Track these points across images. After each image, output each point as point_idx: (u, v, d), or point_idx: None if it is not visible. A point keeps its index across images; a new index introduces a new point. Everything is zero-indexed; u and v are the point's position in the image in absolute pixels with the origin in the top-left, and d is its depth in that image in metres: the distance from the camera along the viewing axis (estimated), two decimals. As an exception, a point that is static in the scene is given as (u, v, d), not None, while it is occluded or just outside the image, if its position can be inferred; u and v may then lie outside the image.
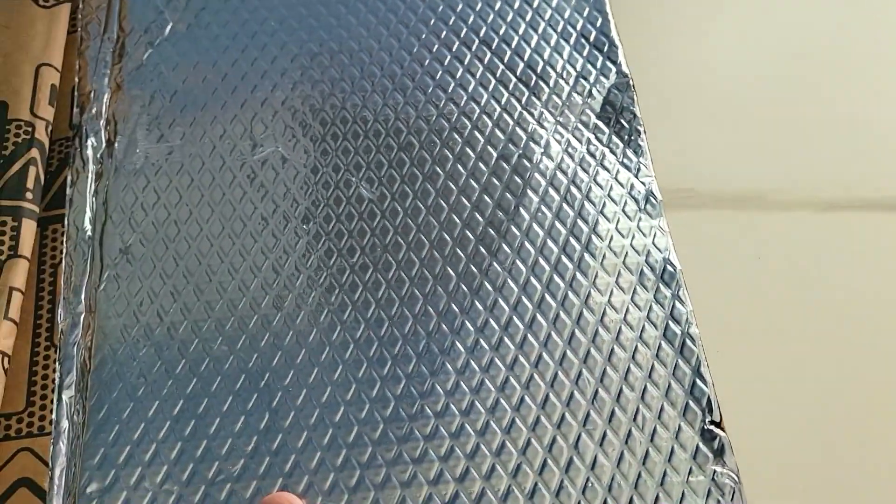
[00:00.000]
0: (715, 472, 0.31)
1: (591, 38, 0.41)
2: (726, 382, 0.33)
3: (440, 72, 0.40)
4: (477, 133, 0.39)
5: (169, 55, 0.41)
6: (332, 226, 0.36)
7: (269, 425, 0.32)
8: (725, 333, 0.34)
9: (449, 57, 0.41)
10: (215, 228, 0.37)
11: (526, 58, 0.41)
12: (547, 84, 0.40)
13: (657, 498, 0.31)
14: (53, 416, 0.32)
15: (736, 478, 0.31)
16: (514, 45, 0.41)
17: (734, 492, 0.31)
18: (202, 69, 0.41)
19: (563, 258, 0.36)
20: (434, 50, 0.41)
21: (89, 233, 0.36)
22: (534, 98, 0.40)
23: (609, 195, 0.37)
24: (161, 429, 0.32)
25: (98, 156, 0.38)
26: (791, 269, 0.36)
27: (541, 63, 0.41)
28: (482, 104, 0.40)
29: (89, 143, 0.38)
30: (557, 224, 0.37)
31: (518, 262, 0.36)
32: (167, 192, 0.37)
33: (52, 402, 0.33)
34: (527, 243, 0.36)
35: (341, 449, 0.32)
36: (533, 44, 0.41)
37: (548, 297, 0.35)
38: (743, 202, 0.37)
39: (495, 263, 0.36)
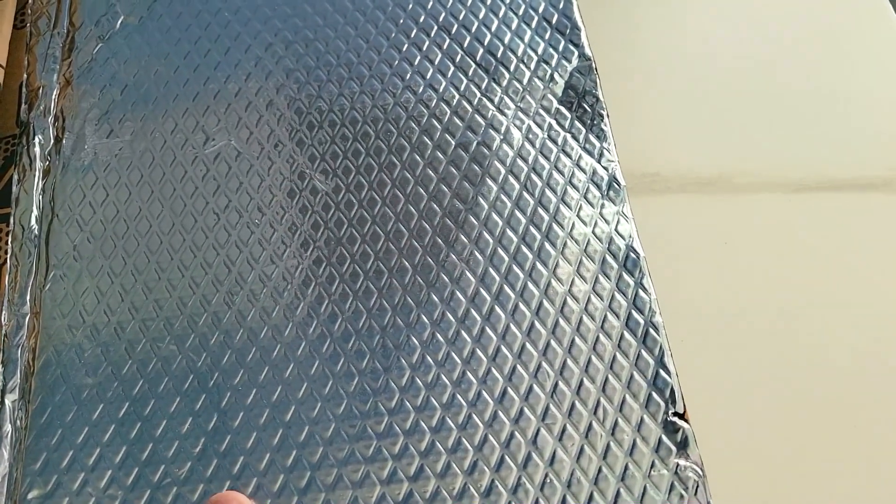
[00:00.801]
0: (678, 465, 0.30)
1: (554, 21, 0.40)
2: (691, 372, 0.32)
3: (397, 59, 0.39)
4: (434, 121, 0.38)
5: (120, 49, 0.40)
6: (284, 219, 0.35)
7: (218, 426, 0.31)
8: (691, 322, 0.33)
9: (406, 44, 0.40)
10: (165, 225, 0.36)
11: (486, 43, 0.40)
12: (507, 69, 0.39)
13: (618, 493, 0.30)
14: (-5, 420, 0.31)
15: (700, 471, 0.30)
16: (473, 29, 0.40)
17: (698, 485, 0.30)
18: (154, 62, 0.40)
19: (523, 247, 0.35)
20: (391, 37, 0.40)
21: (35, 232, 0.35)
22: (494, 84, 0.39)
23: (571, 182, 0.36)
24: (106, 432, 0.31)
25: (45, 153, 0.37)
26: (758, 254, 0.35)
27: (501, 48, 0.40)
28: (440, 91, 0.38)
29: (37, 140, 0.37)
30: (517, 213, 0.35)
31: (476, 252, 0.35)
32: (116, 189, 0.36)
33: (-6, 406, 0.32)
34: (485, 233, 0.35)
35: (292, 449, 0.31)
36: (493, 28, 0.40)
37: (506, 287, 0.34)
38: (709, 186, 0.36)
39: (452, 255, 0.35)
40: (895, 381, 0.32)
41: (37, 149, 0.37)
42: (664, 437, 0.31)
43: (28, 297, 0.34)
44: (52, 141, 0.37)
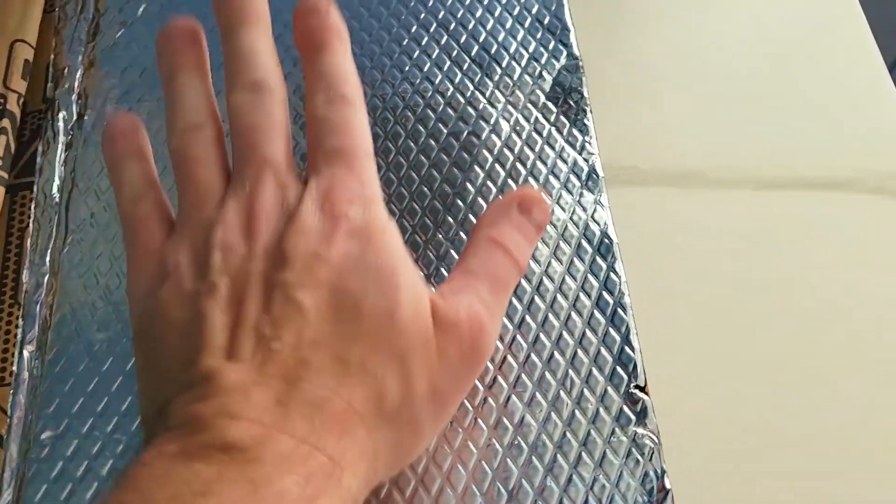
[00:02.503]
0: (636, 433, 0.33)
1: (545, 22, 0.43)
2: (655, 350, 0.34)
3: (397, 52, 0.42)
4: (429, 111, 0.40)
5: (141, 34, 0.43)
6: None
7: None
8: (657, 303, 0.36)
9: (406, 39, 0.42)
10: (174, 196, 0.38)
11: (481, 40, 0.42)
12: (500, 65, 0.42)
13: (579, 456, 0.32)
14: (14, 368, 0.34)
15: (656, 439, 0.32)
16: (470, 27, 0.43)
17: (653, 452, 0.32)
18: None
19: (505, 230, 0.37)
20: (392, 31, 0.43)
21: (56, 199, 0.38)
22: (486, 79, 0.41)
23: (553, 171, 0.39)
24: (114, 382, 0.34)
25: (69, 128, 0.40)
26: (726, 245, 0.37)
27: (495, 45, 0.42)
28: (436, 84, 0.41)
29: (60, 116, 0.40)
30: (501, 198, 0.38)
31: (461, 233, 0.37)
32: (132, 163, 0.39)
33: (13, 356, 0.35)
34: (471, 216, 0.38)
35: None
36: (489, 27, 0.43)
37: (488, 266, 0.36)
38: (683, 179, 0.39)
39: (439, 234, 0.37)
40: (852, 373, 0.34)
41: (60, 124, 0.40)
42: (625, 408, 0.33)
43: (48, 259, 0.37)
44: (75, 117, 0.40)
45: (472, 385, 0.28)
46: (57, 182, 0.39)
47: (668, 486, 0.31)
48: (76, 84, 0.41)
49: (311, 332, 0.23)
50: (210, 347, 0.23)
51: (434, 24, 0.43)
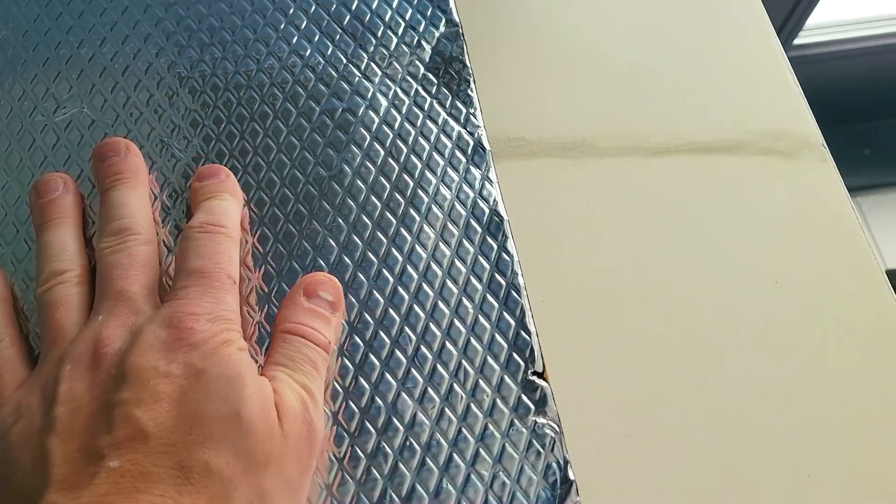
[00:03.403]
0: (536, 423, 0.30)
1: (422, -12, 0.40)
2: (551, 332, 0.32)
3: (261, 24, 0.38)
4: (299, 88, 0.37)
5: (-37, 12, 0.38)
6: (140, 189, 0.34)
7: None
8: (552, 283, 0.34)
9: (271, 9, 0.39)
10: (11, 196, 0.34)
11: (353, 8, 0.39)
12: (374, 35, 0.38)
13: (477, 453, 0.30)
14: None
15: (557, 428, 0.30)
16: (340, -5, 0.39)
17: (555, 442, 0.30)
18: None
19: (387, 213, 0.34)
20: (255, 2, 0.39)
21: None
22: (360, 50, 0.38)
23: (436, 147, 0.36)
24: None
25: None
26: (620, 215, 0.35)
27: (368, 14, 0.39)
28: (305, 57, 0.38)
29: None
30: (381, 179, 0.35)
31: (339, 219, 0.34)
32: (-44, 159, 0.34)
33: None
34: (349, 199, 0.34)
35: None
36: (361, -6, 0.39)
37: (370, 254, 0.33)
38: (573, 150, 0.37)
39: (315, 222, 0.34)
40: (748, 336, 0.33)
41: None
42: (523, 396, 0.31)
43: None
44: None
45: (313, 465, 0.28)
46: None
47: (571, 476, 0.29)
48: None
49: (151, 445, 0.24)
50: (52, 482, 0.24)
51: (301, -7, 0.39)
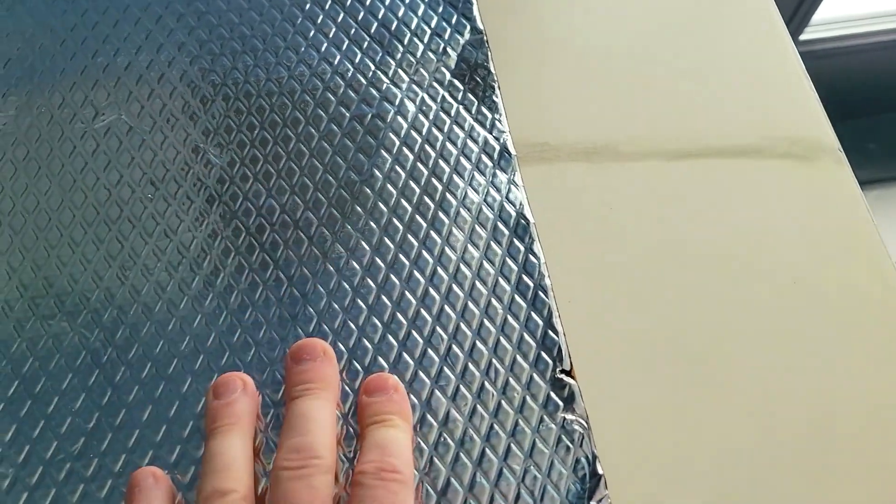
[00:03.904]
0: (564, 419, 0.32)
1: (446, -5, 0.41)
2: (578, 332, 0.33)
3: (291, 32, 0.39)
4: (329, 94, 0.38)
5: (2, 22, 0.39)
6: (178, 193, 0.35)
7: (112, 401, 0.31)
8: (578, 284, 0.35)
9: (300, 17, 0.40)
10: (54, 201, 0.35)
11: (380, 16, 0.40)
12: (401, 43, 0.40)
13: (508, 448, 0.31)
14: None
15: (585, 424, 0.32)
16: (367, 3, 0.40)
17: (583, 437, 0.31)
18: (38, 36, 0.39)
19: (417, 217, 0.35)
20: (284, 10, 0.40)
21: (-86, 211, 0.34)
22: (387, 57, 0.39)
23: (463, 152, 0.37)
24: (-6, 411, 0.31)
25: (-77, 129, 0.36)
26: (641, 217, 0.36)
27: (395, 21, 0.40)
28: (334, 64, 0.39)
29: (-87, 116, 0.36)
30: (411, 183, 0.36)
31: (371, 222, 0.35)
32: (0, 165, 0.35)
33: None
34: (380, 203, 0.36)
35: (189, 420, 0.31)
36: (387, 2, 0.40)
37: (401, 256, 0.35)
38: (595, 154, 0.38)
39: (348, 225, 0.35)
40: (767, 335, 0.34)
41: (-87, 125, 0.36)
42: (552, 394, 0.32)
43: None
44: (-70, 117, 0.36)
45: None
46: (-87, 191, 0.34)
47: (599, 471, 0.31)
48: (-71, 79, 0.37)
49: None
50: None
51: (329, 1, 0.40)
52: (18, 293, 0.33)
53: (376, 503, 0.27)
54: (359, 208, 0.35)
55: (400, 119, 0.38)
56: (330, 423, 0.29)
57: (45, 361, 0.32)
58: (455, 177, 0.36)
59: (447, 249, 0.35)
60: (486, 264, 0.35)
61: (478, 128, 0.38)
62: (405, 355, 0.33)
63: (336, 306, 0.33)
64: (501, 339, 0.33)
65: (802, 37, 1.32)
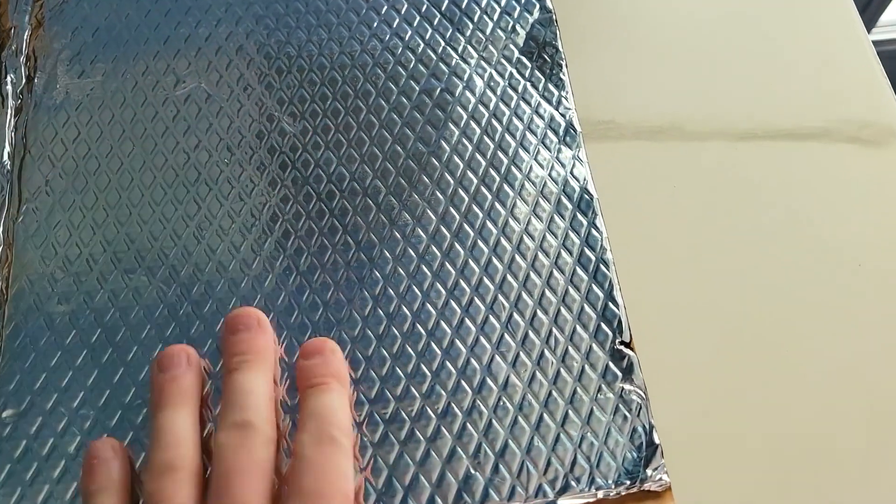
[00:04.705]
0: (623, 389, 0.32)
1: (517, -25, 0.41)
2: (639, 306, 0.34)
3: (365, 8, 0.41)
4: (400, 68, 0.39)
5: (91, -7, 0.41)
6: (253, 159, 0.37)
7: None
8: (640, 259, 0.35)
9: (374, -7, 0.41)
10: (136, 162, 0.37)
11: (451, -6, 0.41)
12: (471, 20, 0.40)
13: (566, 415, 0.32)
14: (-30, 345, 0.32)
15: (643, 394, 0.32)
16: (439, -19, 0.41)
17: (641, 407, 0.32)
18: (125, 6, 0.40)
19: (482, 188, 0.36)
20: (359, -14, 0.41)
21: (8, 167, 0.36)
22: (458, 34, 0.40)
23: (529, 128, 0.38)
24: (78, 356, 0.32)
25: (17, 91, 0.38)
26: (705, 197, 0.36)
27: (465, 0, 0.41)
28: (406, 40, 0.40)
29: (9, 79, 0.38)
30: (478, 156, 0.37)
31: (437, 192, 0.36)
32: (88, 128, 0.37)
33: (-32, 332, 0.33)
34: (447, 174, 0.37)
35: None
36: (458, -20, 0.41)
37: (466, 226, 0.35)
38: (660, 133, 0.38)
39: (415, 195, 0.36)
40: (831, 317, 0.34)
41: (9, 87, 0.38)
42: (611, 364, 0.33)
43: (1, 230, 0.35)
44: (24, 80, 0.38)
45: None
46: (7, 149, 0.36)
47: (656, 440, 0.31)
48: (24, 45, 0.39)
49: None
50: None
51: (402, -21, 0.41)
52: (102, 248, 0.35)
53: (312, 470, 0.27)
54: (426, 178, 0.36)
55: (468, 94, 0.38)
56: (267, 394, 0.29)
57: (125, 312, 0.33)
58: (521, 151, 0.37)
59: (511, 221, 0.35)
60: (549, 237, 0.35)
61: (544, 104, 0.38)
62: (467, 321, 0.33)
63: (401, 271, 0.34)
64: (562, 309, 0.34)
65: (871, 37, 1.29)
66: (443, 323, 0.33)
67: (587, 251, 0.35)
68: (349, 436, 0.28)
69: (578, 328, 0.33)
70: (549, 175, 0.37)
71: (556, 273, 0.34)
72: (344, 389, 0.30)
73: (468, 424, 0.31)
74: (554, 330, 0.33)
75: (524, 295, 0.34)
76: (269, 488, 0.27)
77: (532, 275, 0.34)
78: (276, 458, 0.28)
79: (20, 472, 0.30)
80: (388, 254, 0.35)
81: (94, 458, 0.28)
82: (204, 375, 0.30)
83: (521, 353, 0.33)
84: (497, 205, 0.36)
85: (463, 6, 0.41)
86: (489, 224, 0.35)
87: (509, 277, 0.34)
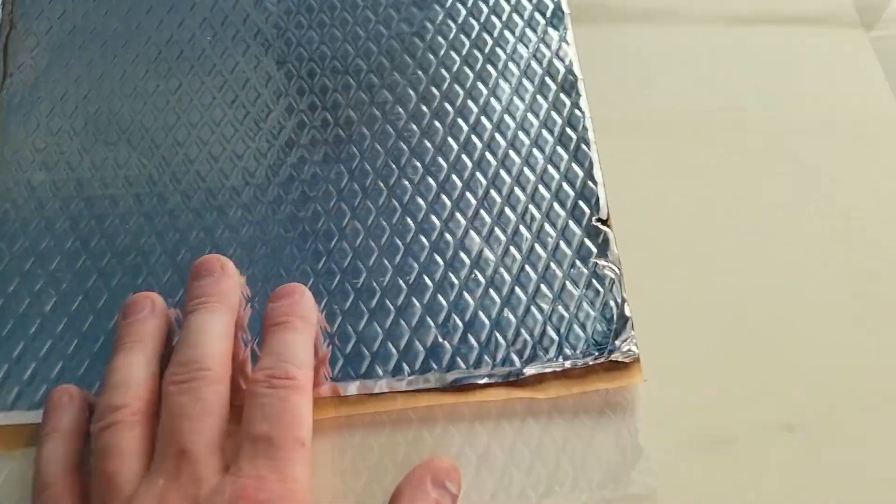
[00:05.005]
0: (596, 264, 0.32)
1: None
2: (618, 184, 0.33)
3: None
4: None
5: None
6: (235, 37, 0.36)
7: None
8: (623, 139, 0.34)
9: None
10: (120, 39, 0.37)
11: None
12: None
13: (538, 288, 0.31)
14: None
15: (617, 270, 0.31)
16: None
17: (614, 282, 0.31)
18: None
19: (465, 68, 0.36)
20: None
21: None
22: (447, -84, 0.39)
23: (516, 9, 0.37)
24: (55, 223, 0.33)
25: None
26: (696, 82, 0.35)
27: None
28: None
29: None
30: (462, 36, 0.36)
31: (419, 72, 0.36)
32: (73, 4, 0.37)
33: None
34: (429, 54, 0.36)
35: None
36: None
37: (446, 104, 0.35)
38: (654, 16, 0.37)
39: (396, 73, 0.36)
40: (818, 209, 0.33)
41: None
42: (586, 240, 0.32)
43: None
44: (12, -41, 0.38)
45: None
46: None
47: (627, 313, 0.30)
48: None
49: None
50: None
51: None
52: (83, 121, 0.35)
53: (265, 410, 0.26)
54: (408, 58, 0.36)
55: (455, -25, 0.38)
56: (222, 333, 0.28)
57: (105, 183, 0.34)
58: (506, 32, 0.36)
59: (492, 100, 0.35)
60: (530, 116, 0.35)
61: (533, -15, 0.37)
62: (443, 196, 0.33)
63: (378, 147, 0.34)
64: (540, 187, 0.33)
65: None
66: (418, 198, 0.33)
67: (569, 130, 0.34)
68: (307, 373, 0.28)
69: (556, 205, 0.33)
70: (534, 56, 0.36)
71: (535, 151, 0.34)
72: (308, 329, 0.29)
73: (438, 296, 0.31)
74: (531, 206, 0.33)
75: (502, 172, 0.33)
76: (217, 431, 0.26)
77: (511, 153, 0.34)
78: (236, 397, 0.27)
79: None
80: (365, 130, 0.34)
81: (50, 408, 0.29)
82: (171, 321, 0.30)
83: (496, 229, 0.32)
84: (479, 84, 0.35)
85: None
86: (470, 103, 0.35)
87: (488, 155, 0.34)
